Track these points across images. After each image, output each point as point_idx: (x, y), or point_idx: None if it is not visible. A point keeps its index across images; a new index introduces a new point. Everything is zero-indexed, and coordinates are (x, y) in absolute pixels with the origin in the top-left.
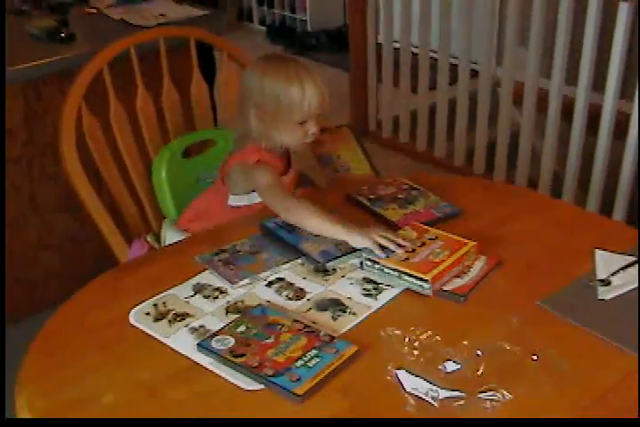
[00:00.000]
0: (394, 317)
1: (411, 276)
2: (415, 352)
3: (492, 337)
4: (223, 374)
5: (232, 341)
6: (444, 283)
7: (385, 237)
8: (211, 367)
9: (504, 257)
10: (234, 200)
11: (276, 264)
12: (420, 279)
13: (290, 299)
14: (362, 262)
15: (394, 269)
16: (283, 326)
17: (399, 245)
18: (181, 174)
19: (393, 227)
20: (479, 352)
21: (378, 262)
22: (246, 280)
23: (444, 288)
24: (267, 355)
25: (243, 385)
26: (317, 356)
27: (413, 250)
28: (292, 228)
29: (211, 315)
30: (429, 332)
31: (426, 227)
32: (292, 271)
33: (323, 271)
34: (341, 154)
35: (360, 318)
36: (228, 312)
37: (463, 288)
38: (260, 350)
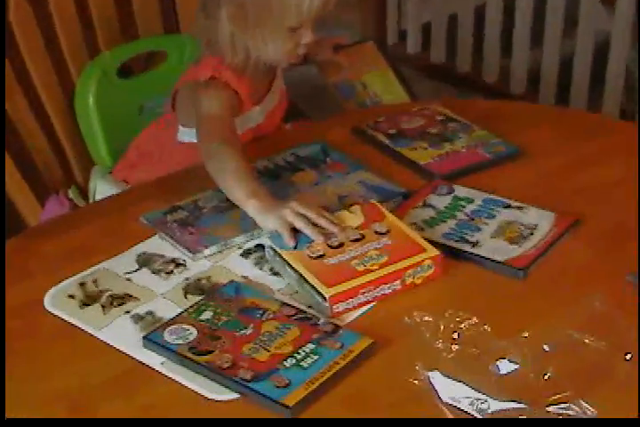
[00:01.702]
0: (424, 296)
1: (309, 283)
2: (454, 347)
3: (565, 327)
4: (180, 380)
5: (193, 333)
6: (354, 306)
7: (305, 219)
8: (162, 370)
9: (582, 216)
10: (184, 135)
11: (257, 226)
12: (318, 293)
13: (276, 274)
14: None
15: (294, 270)
16: (266, 311)
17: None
18: (118, 102)
19: (422, 173)
20: (546, 347)
21: (279, 254)
22: (213, 248)
23: (497, 259)
24: (242, 352)
25: (208, 394)
26: (315, 352)
27: (340, 244)
28: (279, 171)
29: (162, 297)
30: (475, 319)
31: (385, 212)
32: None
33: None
34: (367, 81)
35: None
36: (187, 293)
37: (522, 259)
38: (233, 345)
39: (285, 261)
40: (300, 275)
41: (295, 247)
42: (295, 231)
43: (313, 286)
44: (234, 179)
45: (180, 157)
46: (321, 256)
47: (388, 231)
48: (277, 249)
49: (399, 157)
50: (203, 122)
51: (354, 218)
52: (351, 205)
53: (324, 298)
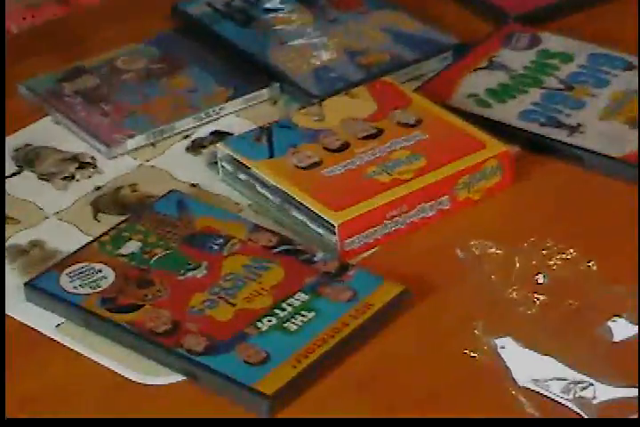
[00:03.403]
0: (487, 218)
1: (302, 207)
2: (539, 298)
3: None
4: (87, 352)
5: (109, 276)
6: (376, 239)
7: None
8: (57, 337)
9: None
10: None
11: (215, 99)
12: (321, 219)
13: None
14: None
15: (273, 189)
16: (228, 240)
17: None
18: None
19: (487, 12)
20: None
21: (246, 166)
22: (140, 138)
23: (610, 152)
24: (190, 306)
25: (132, 376)
26: (309, 307)
27: (345, 145)
28: (246, 14)
29: (57, 218)
30: (572, 251)
31: (410, 93)
32: (247, 117)
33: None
34: None
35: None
36: (98, 211)
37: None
38: (174, 295)
39: (258, 177)
40: (287, 195)
41: (271, 154)
42: (266, 130)
43: (309, 211)
44: None
45: None
46: (316, 165)
47: (419, 121)
48: (241, 158)
49: None
50: None
51: (360, 105)
52: (355, 86)
53: (331, 228)
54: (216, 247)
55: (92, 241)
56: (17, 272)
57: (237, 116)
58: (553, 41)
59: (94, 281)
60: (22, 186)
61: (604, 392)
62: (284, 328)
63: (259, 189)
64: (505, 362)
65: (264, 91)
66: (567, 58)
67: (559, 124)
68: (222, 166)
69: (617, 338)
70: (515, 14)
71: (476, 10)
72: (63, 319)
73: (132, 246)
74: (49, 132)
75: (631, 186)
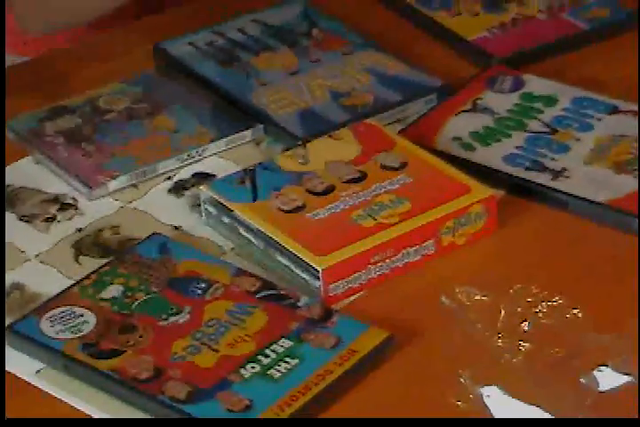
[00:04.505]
0: (472, 264)
1: (285, 251)
2: (524, 345)
3: None
4: (67, 399)
5: (90, 320)
6: (361, 284)
7: None
8: (38, 383)
9: None
10: None
11: (197, 140)
12: (304, 264)
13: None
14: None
15: (257, 233)
16: (211, 284)
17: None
18: None
19: (472, 54)
20: None
21: (229, 209)
22: (122, 179)
23: (596, 198)
24: (173, 352)
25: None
26: (293, 354)
27: (330, 188)
28: (229, 54)
29: (38, 261)
30: (557, 298)
31: (394, 136)
32: (230, 158)
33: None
34: None
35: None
36: (79, 254)
37: (637, 200)
38: (156, 340)
39: (241, 220)
40: (270, 239)
41: (255, 197)
42: (250, 173)
43: (293, 256)
44: None
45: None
46: (300, 208)
47: (403, 164)
48: (224, 201)
49: (432, 27)
50: None
51: (344, 148)
52: (339, 128)
53: (315, 273)
54: (199, 292)
55: (74, 285)
56: None
57: (220, 158)
58: (537, 84)
59: (75, 326)
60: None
61: None
62: (267, 375)
63: (242, 232)
64: (491, 411)
65: (247, 132)
66: (551, 101)
67: (544, 169)
68: (205, 209)
69: (603, 388)
70: (498, 57)
71: (461, 51)
72: (43, 365)
73: (114, 290)
74: (30, 172)
75: (616, 231)
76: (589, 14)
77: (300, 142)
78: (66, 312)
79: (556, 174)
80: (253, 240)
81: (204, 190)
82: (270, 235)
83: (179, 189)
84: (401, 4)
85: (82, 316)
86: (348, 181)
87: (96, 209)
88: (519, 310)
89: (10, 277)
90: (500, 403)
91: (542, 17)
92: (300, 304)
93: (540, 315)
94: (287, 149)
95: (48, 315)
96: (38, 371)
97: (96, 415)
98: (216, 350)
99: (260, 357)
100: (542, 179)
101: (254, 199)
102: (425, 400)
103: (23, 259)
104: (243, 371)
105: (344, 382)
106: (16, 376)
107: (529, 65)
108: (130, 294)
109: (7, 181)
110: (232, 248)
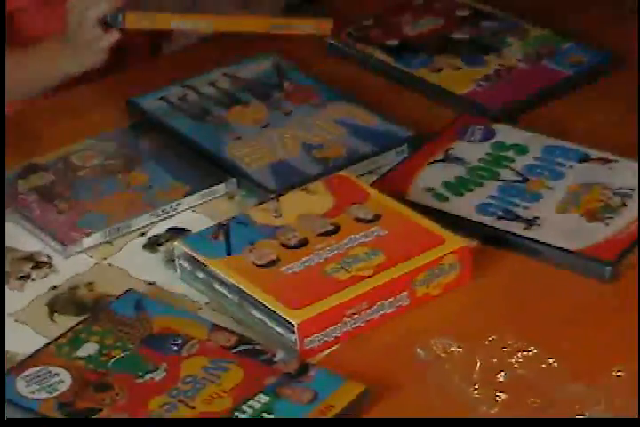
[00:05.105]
0: (447, 315)
1: (260, 306)
2: (501, 396)
3: None
4: None
5: (66, 379)
6: (336, 337)
7: None
8: None
9: None
10: None
11: (171, 195)
12: (280, 318)
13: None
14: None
15: (231, 287)
16: (187, 340)
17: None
18: None
19: (464, 108)
20: None
21: (203, 264)
22: (97, 236)
23: (568, 246)
24: (150, 411)
25: None
26: (270, 409)
27: (303, 242)
28: (201, 108)
29: (13, 320)
30: (533, 348)
31: (367, 188)
32: (204, 212)
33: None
34: None
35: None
36: (54, 312)
37: (610, 247)
38: (133, 398)
39: (215, 275)
40: (245, 294)
41: (229, 252)
42: (224, 227)
43: (268, 310)
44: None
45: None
46: (274, 262)
47: (377, 216)
48: (198, 256)
49: (417, 83)
50: None
51: (317, 200)
52: (312, 180)
53: (290, 327)
54: (175, 348)
55: (49, 343)
56: None
57: (194, 212)
58: (507, 133)
59: (51, 385)
60: None
61: None
62: None
63: (217, 287)
64: None
65: (220, 186)
66: (522, 150)
67: (516, 218)
68: (180, 264)
69: None
70: (494, 109)
71: (450, 105)
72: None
73: (90, 348)
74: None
75: (590, 279)
76: (567, 60)
77: (273, 196)
78: (41, 371)
79: (529, 223)
80: (228, 295)
81: (178, 246)
82: (245, 289)
83: (153, 244)
84: (377, 65)
85: (57, 375)
86: (322, 234)
87: (70, 266)
88: (495, 360)
89: None
90: None
91: (523, 66)
92: (275, 359)
93: (516, 365)
94: (261, 203)
95: (24, 374)
96: None
97: None
98: (193, 407)
99: (236, 413)
100: (515, 228)
101: (228, 254)
102: None
103: None
104: None
105: None
106: None
107: (524, 115)
108: (105, 351)
109: None
110: (207, 303)
